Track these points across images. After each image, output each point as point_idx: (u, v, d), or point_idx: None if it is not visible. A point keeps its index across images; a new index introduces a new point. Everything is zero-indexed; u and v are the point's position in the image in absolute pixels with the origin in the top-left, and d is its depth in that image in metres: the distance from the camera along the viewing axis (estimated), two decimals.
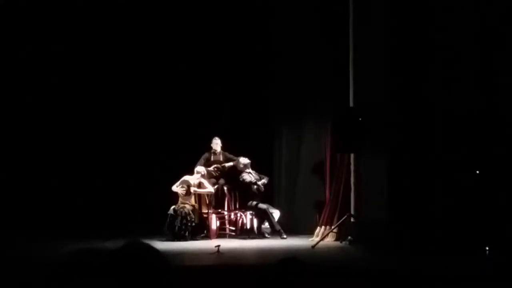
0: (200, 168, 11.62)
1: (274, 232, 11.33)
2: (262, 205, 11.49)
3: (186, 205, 11.30)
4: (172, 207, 11.25)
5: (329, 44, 11.37)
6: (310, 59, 11.66)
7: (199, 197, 11.55)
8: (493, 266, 8.26)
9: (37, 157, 12.64)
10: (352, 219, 10.49)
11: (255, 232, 11.51)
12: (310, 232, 11.15)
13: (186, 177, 11.51)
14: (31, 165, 12.61)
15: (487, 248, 8.96)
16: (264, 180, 11.74)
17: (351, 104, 10.78)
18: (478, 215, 9.32)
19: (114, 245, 2.16)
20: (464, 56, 9.95)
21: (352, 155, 10.74)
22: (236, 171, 11.87)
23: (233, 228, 11.80)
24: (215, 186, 11.84)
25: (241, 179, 11.70)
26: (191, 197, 11.42)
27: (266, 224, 11.46)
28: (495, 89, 9.80)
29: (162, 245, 10.34)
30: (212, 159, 12.09)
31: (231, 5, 12.60)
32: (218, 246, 9.39)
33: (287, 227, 11.48)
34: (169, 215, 11.16)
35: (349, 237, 10.33)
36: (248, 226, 11.64)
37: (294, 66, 11.99)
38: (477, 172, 9.48)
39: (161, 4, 12.73)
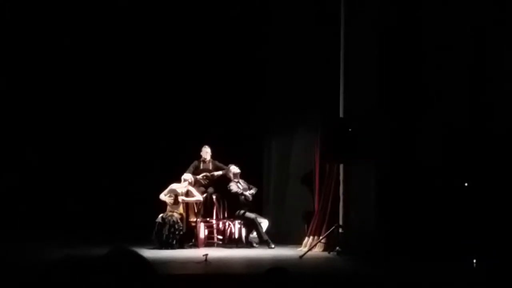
0: (187, 176, 11.59)
1: (262, 242, 11.31)
2: (250, 215, 11.48)
3: (174, 214, 11.27)
4: (160, 215, 11.22)
5: (319, 55, 11.38)
6: (300, 69, 11.66)
7: (187, 205, 11.52)
8: (482, 275, 8.30)
9: (25, 161, 12.60)
10: (340, 230, 10.49)
11: (243, 242, 11.49)
12: (298, 242, 11.14)
13: (174, 186, 11.49)
14: (20, 168, 12.56)
15: (474, 260, 8.99)
16: (252, 191, 11.72)
17: (340, 115, 10.80)
18: (466, 225, 9.35)
19: (99, 252, 2.14)
20: (456, 67, 10.02)
21: (341, 166, 10.75)
22: (225, 180, 11.86)
23: (221, 237, 11.78)
24: (204, 195, 11.82)
25: (228, 189, 11.69)
26: (179, 206, 11.40)
27: (254, 234, 11.45)
28: (487, 99, 9.87)
29: (149, 253, 10.29)
30: (201, 167, 12.07)
31: (222, 15, 12.59)
32: (206, 255, 9.36)
33: (276, 237, 11.47)
34: (157, 223, 11.13)
35: (337, 248, 10.32)
36: (237, 235, 11.62)
37: (285, 76, 12.00)
38: (466, 184, 9.52)
39: (152, 16, 12.72)
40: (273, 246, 11.18)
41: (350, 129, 10.34)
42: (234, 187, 11.67)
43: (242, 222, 11.55)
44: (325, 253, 10.54)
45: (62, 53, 12.71)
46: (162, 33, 12.76)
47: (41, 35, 12.61)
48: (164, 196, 11.43)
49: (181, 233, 11.17)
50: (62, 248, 10.00)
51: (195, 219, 11.52)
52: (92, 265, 1.94)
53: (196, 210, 11.63)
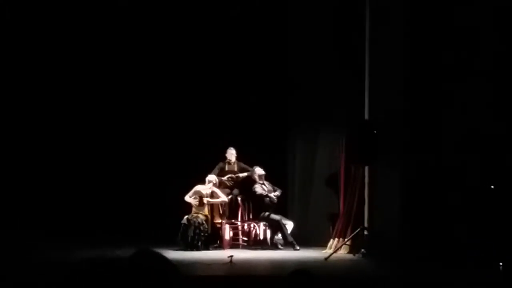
0: (211, 177, 11.62)
1: (287, 244, 11.31)
2: (275, 216, 11.48)
3: (199, 215, 11.31)
4: (186, 216, 11.27)
5: (345, 56, 11.36)
6: (326, 71, 11.65)
7: (212, 207, 11.56)
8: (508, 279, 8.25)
9: (54, 162, 12.70)
10: (365, 232, 10.46)
11: (268, 243, 11.49)
12: (323, 244, 11.13)
13: (198, 187, 11.52)
14: (52, 170, 12.67)
15: (501, 263, 8.92)
16: (277, 193, 11.72)
17: (366, 117, 10.77)
18: (492, 229, 9.29)
19: (125, 254, 2.17)
20: (482, 73, 9.97)
21: (366, 168, 10.73)
22: (250, 182, 11.87)
23: (246, 239, 11.79)
24: (229, 196, 11.85)
25: (253, 190, 11.70)
26: (204, 207, 11.43)
27: (279, 235, 11.45)
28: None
29: (175, 254, 10.35)
30: (226, 169, 12.10)
31: (250, 17, 12.60)
32: (231, 256, 9.39)
33: (300, 238, 11.46)
34: (182, 224, 11.18)
35: (362, 250, 10.30)
36: (261, 237, 11.62)
37: (310, 78, 11.97)
38: (492, 187, 9.45)
39: (180, 16, 12.76)
40: (298, 248, 11.17)
41: (375, 131, 10.31)
42: (259, 188, 11.68)
43: (267, 223, 11.56)
44: (350, 255, 10.52)
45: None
46: (187, 36, 12.79)
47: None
48: (189, 198, 11.47)
49: (206, 234, 11.20)
50: (89, 250, 10.10)
51: (220, 221, 11.55)
52: (117, 266, 1.97)
53: (221, 212, 11.66)
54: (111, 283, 1.96)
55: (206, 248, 11.12)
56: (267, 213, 11.54)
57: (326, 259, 10.06)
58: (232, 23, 12.64)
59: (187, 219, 11.22)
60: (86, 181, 12.73)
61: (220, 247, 11.35)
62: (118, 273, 1.99)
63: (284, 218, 11.59)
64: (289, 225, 11.53)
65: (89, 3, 12.63)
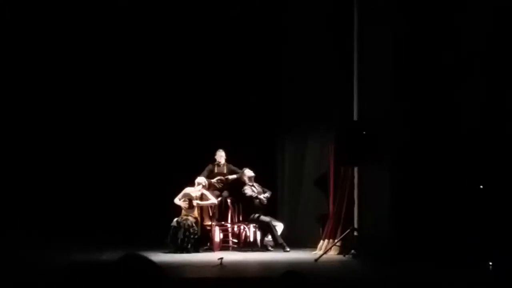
0: (200, 179, 11.60)
1: (277, 245, 11.31)
2: (265, 218, 11.48)
3: (189, 217, 11.29)
4: (175, 219, 11.25)
5: (333, 58, 11.38)
6: (315, 72, 11.66)
7: (201, 209, 11.54)
8: (497, 278, 8.28)
9: (46, 164, 12.66)
10: (355, 233, 10.47)
11: (258, 245, 11.49)
12: (313, 246, 11.13)
13: (188, 190, 11.51)
14: (44, 171, 12.63)
15: (490, 263, 8.94)
16: (267, 194, 11.73)
17: (355, 118, 10.79)
18: (481, 229, 9.32)
19: (111, 257, 2.16)
20: (472, 72, 10.01)
21: (355, 169, 10.74)
22: (240, 184, 11.87)
23: (236, 241, 11.79)
24: (219, 198, 11.84)
25: (243, 192, 11.70)
26: (194, 210, 11.42)
27: (269, 237, 11.44)
28: (503, 102, 9.85)
29: (165, 257, 10.34)
30: (215, 171, 12.09)
31: (242, 19, 12.60)
32: (221, 258, 9.38)
33: (290, 240, 11.46)
34: (172, 227, 11.16)
35: (352, 251, 10.31)
36: (251, 239, 11.62)
37: (299, 78, 11.99)
38: (481, 186, 9.48)
39: (167, 18, 12.74)
40: (288, 249, 11.18)
41: (364, 132, 10.32)
42: (248, 190, 11.68)
43: (257, 225, 11.56)
44: (340, 256, 10.53)
45: (71, 57, 12.73)
46: (173, 35, 12.77)
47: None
48: (178, 201, 11.45)
49: (196, 237, 11.19)
50: (77, 253, 10.06)
51: (210, 223, 11.54)
52: (103, 271, 1.95)
53: (211, 214, 11.65)
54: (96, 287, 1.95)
55: (196, 250, 11.11)
56: (257, 215, 11.54)
57: (316, 260, 10.07)
58: (223, 24, 12.64)
59: (177, 221, 11.21)
60: (75, 183, 12.67)
61: (210, 249, 11.34)
62: (104, 278, 1.98)
63: (274, 220, 11.59)
64: (279, 227, 11.53)
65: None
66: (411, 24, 10.43)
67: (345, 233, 10.53)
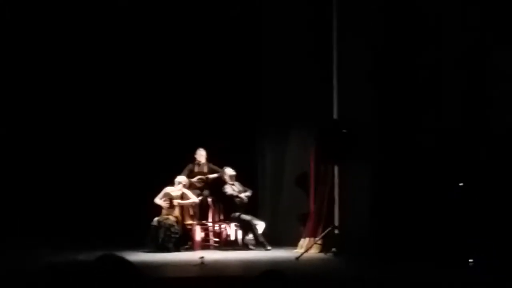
0: (181, 178, 11.57)
1: (258, 244, 11.31)
2: (246, 217, 11.48)
3: (169, 217, 11.27)
4: (156, 218, 11.21)
5: (313, 56, 11.41)
6: (294, 71, 11.68)
7: (182, 208, 11.51)
8: (478, 276, 8.34)
9: (20, 166, 12.56)
10: (336, 231, 10.49)
11: (239, 244, 11.49)
12: (294, 244, 11.14)
13: (168, 189, 11.47)
14: (13, 173, 12.53)
15: (470, 260, 9.00)
16: (248, 193, 11.72)
17: (335, 116, 10.81)
18: (461, 226, 9.37)
19: (87, 258, 2.15)
20: (451, 68, 10.07)
21: (336, 167, 10.76)
22: (221, 182, 11.86)
23: (217, 240, 11.78)
24: (200, 198, 11.82)
25: (223, 191, 11.69)
26: (174, 209, 11.39)
27: (250, 236, 11.45)
28: (484, 101, 9.92)
29: (145, 256, 10.31)
30: (196, 170, 12.07)
31: (222, 23, 12.60)
32: (202, 257, 9.37)
33: (272, 238, 11.47)
34: (153, 226, 11.12)
35: (333, 249, 10.34)
36: (232, 238, 11.62)
37: (279, 77, 12.00)
38: (461, 184, 9.53)
39: (149, 23, 12.72)
40: (269, 248, 11.18)
41: (344, 130, 10.34)
42: (229, 189, 11.68)
43: (238, 224, 11.56)
44: (321, 255, 10.56)
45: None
46: (159, 36, 12.74)
47: (41, 35, 12.54)
48: (159, 200, 11.42)
49: (177, 236, 11.16)
50: (56, 254, 9.98)
51: (190, 222, 11.52)
52: (79, 271, 1.94)
53: (191, 213, 11.63)
54: None
55: (177, 249, 11.09)
56: (237, 214, 11.54)
57: (297, 258, 10.08)
58: (205, 26, 12.63)
59: (158, 221, 11.17)
60: (54, 182, 12.57)
61: (191, 248, 11.33)
62: (81, 278, 1.97)
63: (255, 219, 11.59)
64: (260, 225, 11.54)
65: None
66: (389, 24, 10.47)
67: (326, 231, 10.55)
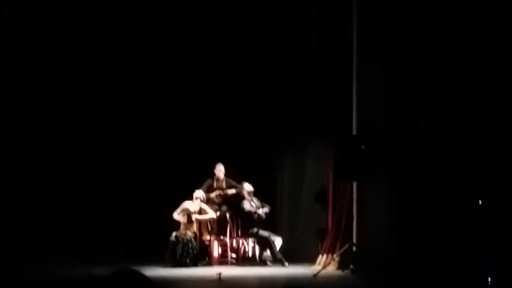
0: (198, 193, 11.56)
1: (276, 260, 11.28)
2: (264, 233, 11.46)
3: (188, 232, 11.28)
4: (174, 233, 11.22)
5: (332, 73, 11.40)
6: (314, 88, 11.68)
7: (200, 223, 11.51)
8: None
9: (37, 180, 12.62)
10: (354, 248, 10.44)
11: (256, 260, 11.47)
12: (312, 261, 11.10)
13: (186, 204, 11.48)
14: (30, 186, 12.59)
15: (489, 278, 8.92)
16: (266, 209, 11.71)
17: (354, 133, 10.80)
18: (480, 243, 9.30)
19: (104, 272, 2.16)
20: (464, 85, 10.04)
21: (354, 184, 10.73)
22: (239, 198, 11.86)
23: (235, 256, 11.76)
24: (218, 213, 11.82)
25: (241, 207, 11.68)
26: (192, 224, 11.40)
27: (268, 252, 11.42)
28: (498, 118, 9.87)
29: (163, 271, 10.30)
30: (215, 185, 12.07)
31: (239, 40, 12.64)
32: (220, 273, 9.36)
33: (289, 255, 11.43)
34: (171, 241, 11.13)
35: (351, 266, 10.28)
36: (250, 254, 11.60)
37: (299, 94, 12.01)
38: (480, 201, 9.46)
39: (165, 33, 12.78)
40: (286, 264, 11.15)
41: (363, 147, 10.32)
42: (247, 205, 11.67)
43: (255, 240, 11.54)
44: (339, 271, 10.49)
45: (71, 64, 12.75)
46: (179, 50, 12.80)
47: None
48: (177, 216, 11.43)
49: (195, 251, 11.16)
50: (75, 267, 10.01)
51: (208, 237, 11.52)
52: (95, 285, 1.95)
53: (209, 228, 11.63)
54: None
55: (195, 265, 11.08)
56: (255, 230, 11.52)
57: (315, 275, 10.03)
58: (217, 37, 12.67)
59: (176, 236, 11.18)
60: (74, 197, 12.62)
61: (209, 263, 11.31)
62: None
63: (273, 234, 11.57)
64: (278, 241, 11.51)
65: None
66: (409, 37, 10.47)
67: (344, 248, 10.49)
